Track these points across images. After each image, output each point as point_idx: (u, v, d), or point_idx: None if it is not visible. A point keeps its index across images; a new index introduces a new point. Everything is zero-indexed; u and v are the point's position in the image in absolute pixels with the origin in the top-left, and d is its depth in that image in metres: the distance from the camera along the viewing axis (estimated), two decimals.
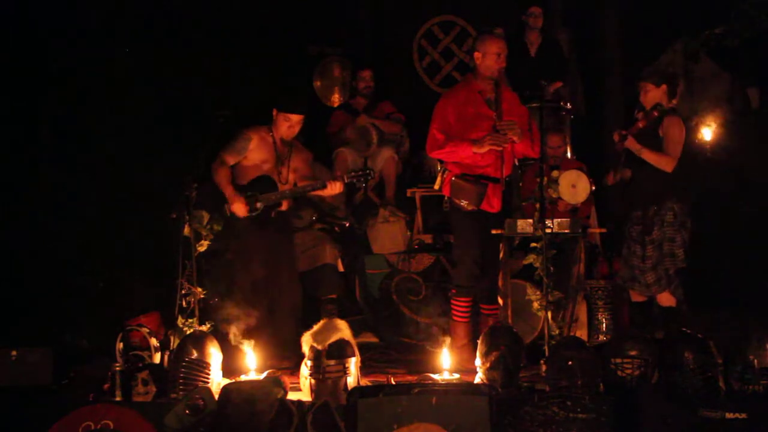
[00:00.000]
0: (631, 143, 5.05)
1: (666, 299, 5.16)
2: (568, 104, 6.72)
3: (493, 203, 5.06)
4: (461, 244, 5.19)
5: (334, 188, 5.31)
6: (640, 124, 5.08)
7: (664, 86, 5.14)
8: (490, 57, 5.03)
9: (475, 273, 5.10)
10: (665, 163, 5.06)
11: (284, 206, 5.45)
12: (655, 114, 5.05)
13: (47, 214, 6.41)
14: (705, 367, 4.14)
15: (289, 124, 5.34)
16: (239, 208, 5.23)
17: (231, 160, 5.31)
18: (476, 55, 5.08)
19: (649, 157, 5.05)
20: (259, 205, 5.27)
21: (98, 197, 6.36)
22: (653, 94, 5.14)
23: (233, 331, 4.88)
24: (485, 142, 4.92)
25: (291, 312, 5.36)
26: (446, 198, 5.17)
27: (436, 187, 5.28)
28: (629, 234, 5.25)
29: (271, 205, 5.32)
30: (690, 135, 5.33)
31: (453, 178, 5.06)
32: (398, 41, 7.86)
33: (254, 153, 5.33)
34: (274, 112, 5.36)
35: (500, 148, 4.95)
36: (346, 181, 5.34)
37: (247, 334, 4.91)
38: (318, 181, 5.40)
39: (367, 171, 5.38)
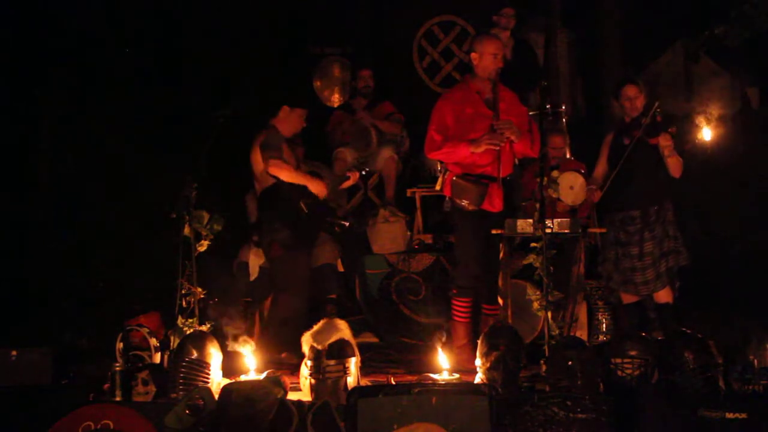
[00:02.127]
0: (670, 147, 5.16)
1: (664, 296, 5.19)
2: (563, 105, 6.70)
3: (494, 203, 5.07)
4: (462, 244, 5.18)
5: (354, 176, 5.82)
6: (673, 131, 5.14)
7: (644, 92, 5.26)
8: (487, 57, 5.04)
9: (476, 273, 5.10)
10: (680, 168, 5.18)
11: None
12: (659, 119, 5.13)
13: (47, 214, 6.41)
14: (705, 367, 4.14)
15: (302, 120, 5.45)
16: (323, 188, 5.42)
17: (282, 156, 5.36)
18: (473, 55, 5.09)
19: (673, 161, 5.16)
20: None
21: (98, 197, 6.37)
22: (641, 100, 5.26)
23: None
24: (482, 141, 4.93)
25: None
26: (447, 198, 5.17)
27: (437, 187, 5.28)
28: (616, 238, 5.28)
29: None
30: (690, 135, 5.38)
31: (454, 178, 5.06)
32: (398, 41, 7.85)
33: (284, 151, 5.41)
34: (287, 110, 5.39)
35: (497, 148, 4.95)
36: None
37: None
38: (344, 173, 5.72)
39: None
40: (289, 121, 5.40)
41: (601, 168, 5.47)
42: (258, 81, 6.93)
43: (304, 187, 5.38)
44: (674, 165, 5.18)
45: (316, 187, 5.37)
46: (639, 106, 5.26)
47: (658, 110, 5.18)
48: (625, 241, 5.26)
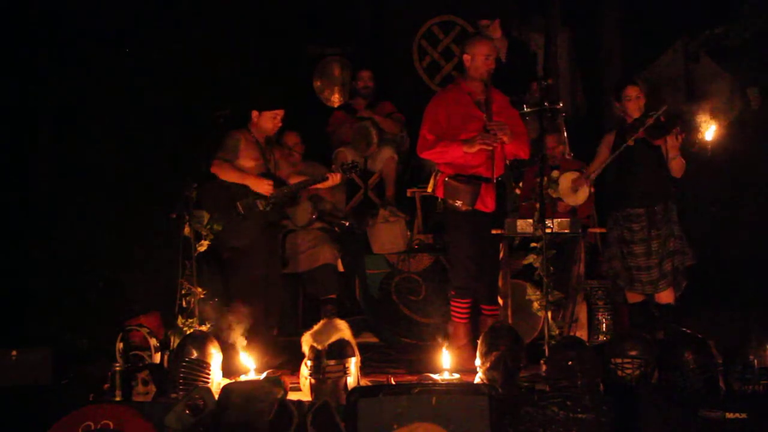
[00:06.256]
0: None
1: (666, 296, 5.19)
2: (560, 103, 6.68)
3: (487, 203, 5.07)
4: (458, 244, 5.19)
5: (335, 179, 5.40)
6: (678, 131, 5.12)
7: (645, 93, 5.29)
8: (478, 58, 5.07)
9: (473, 273, 5.10)
10: (683, 169, 5.21)
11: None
12: (663, 119, 5.13)
13: (47, 214, 6.40)
14: (705, 367, 4.15)
15: (275, 121, 5.36)
16: (267, 187, 5.22)
17: (229, 158, 5.28)
18: (465, 57, 5.12)
19: (678, 162, 5.18)
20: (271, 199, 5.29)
21: (98, 197, 6.36)
22: (643, 100, 5.28)
23: (235, 331, 4.89)
24: (476, 141, 4.95)
25: (276, 312, 5.38)
26: (440, 200, 5.18)
27: (429, 189, 5.28)
28: (620, 236, 5.27)
29: (280, 202, 5.33)
30: (690, 136, 5.38)
31: (446, 179, 5.08)
32: (398, 41, 7.85)
33: (244, 152, 5.30)
34: (255, 114, 5.34)
35: (491, 148, 4.96)
36: (340, 173, 5.43)
37: (245, 333, 4.92)
38: (318, 174, 5.45)
39: (355, 164, 5.51)
40: (261, 124, 5.35)
41: (595, 166, 5.39)
42: (257, 81, 6.93)
43: (246, 188, 5.24)
44: (678, 166, 5.20)
45: (259, 185, 5.21)
46: (641, 106, 5.28)
47: (665, 111, 5.17)
48: (629, 239, 5.25)
